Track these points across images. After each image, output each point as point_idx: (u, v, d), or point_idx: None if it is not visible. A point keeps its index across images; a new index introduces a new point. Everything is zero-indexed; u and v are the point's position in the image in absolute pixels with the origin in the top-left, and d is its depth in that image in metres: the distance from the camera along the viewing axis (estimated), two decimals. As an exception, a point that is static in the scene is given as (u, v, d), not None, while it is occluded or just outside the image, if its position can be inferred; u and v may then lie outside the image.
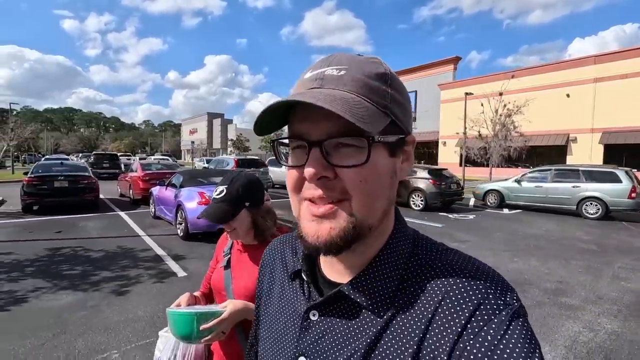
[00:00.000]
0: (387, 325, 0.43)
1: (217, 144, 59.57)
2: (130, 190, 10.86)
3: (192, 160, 33.81)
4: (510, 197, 10.76)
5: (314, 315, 0.48)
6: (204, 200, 6.17)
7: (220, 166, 13.81)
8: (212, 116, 63.93)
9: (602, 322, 3.43)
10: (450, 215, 9.50)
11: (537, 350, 0.37)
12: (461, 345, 0.37)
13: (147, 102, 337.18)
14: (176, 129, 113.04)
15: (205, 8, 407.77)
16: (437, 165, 23.60)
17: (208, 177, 7.36)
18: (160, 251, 5.68)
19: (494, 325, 0.37)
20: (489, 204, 11.20)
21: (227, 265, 1.28)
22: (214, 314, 1.02)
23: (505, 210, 10.45)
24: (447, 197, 10.31)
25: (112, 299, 3.83)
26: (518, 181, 10.64)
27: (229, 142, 37.67)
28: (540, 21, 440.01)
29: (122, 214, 9.01)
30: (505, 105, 14.87)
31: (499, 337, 0.37)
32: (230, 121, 63.05)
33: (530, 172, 10.71)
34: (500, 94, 14.92)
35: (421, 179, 10.36)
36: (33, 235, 6.62)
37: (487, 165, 16.01)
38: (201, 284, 1.44)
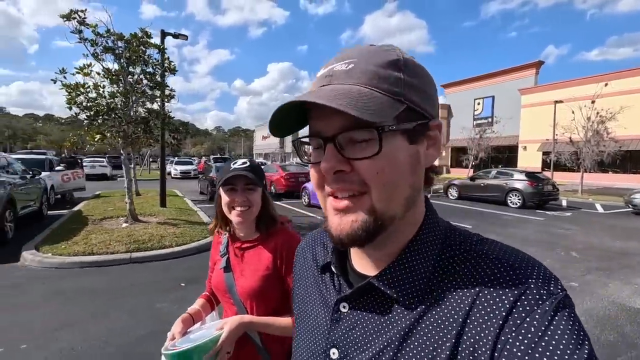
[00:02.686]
0: (421, 318, 0.42)
1: (288, 148, 64.28)
2: (272, 186, 14.03)
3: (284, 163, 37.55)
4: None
5: (344, 307, 0.49)
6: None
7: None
8: (284, 122, 68.97)
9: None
10: (548, 212, 10.97)
11: (586, 343, 0.35)
12: (503, 338, 0.36)
13: (214, 109, 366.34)
14: (245, 134, 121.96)
15: (269, 18, 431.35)
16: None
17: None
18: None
19: (537, 316, 0.36)
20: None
21: (227, 267, 1.23)
22: (212, 341, 1.01)
23: (600, 210, 11.56)
24: (543, 197, 11.75)
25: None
26: None
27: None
28: (634, 8, 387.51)
29: (280, 203, 12.02)
30: (597, 113, 15.48)
31: (543, 328, 0.35)
32: (301, 127, 67.26)
33: None
34: (593, 102, 15.56)
35: (518, 180, 11.96)
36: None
37: (577, 170, 16.65)
38: (206, 286, 1.41)
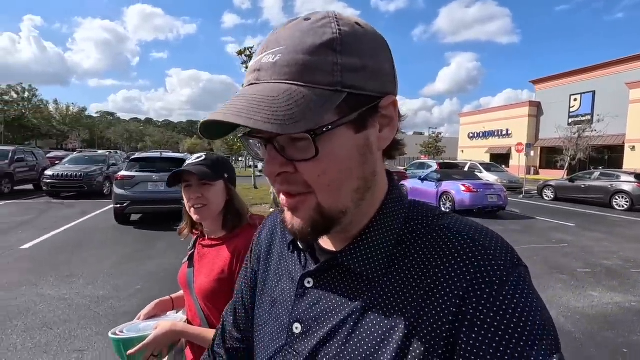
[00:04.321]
0: (383, 291, 0.43)
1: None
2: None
3: None
4: None
5: (308, 283, 0.49)
6: (466, 189, 9.63)
7: (422, 169, 17.37)
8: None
9: None
10: (661, 216, 10.57)
11: (540, 307, 0.37)
12: (464, 309, 0.37)
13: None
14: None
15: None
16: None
17: (458, 175, 10.92)
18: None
19: (496, 287, 0.37)
20: None
21: (190, 262, 1.23)
22: (139, 339, 1.03)
23: None
24: (656, 199, 11.26)
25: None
26: None
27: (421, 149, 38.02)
28: None
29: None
30: None
31: (501, 297, 0.37)
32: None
33: None
34: None
35: (626, 182, 11.64)
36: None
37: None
38: None
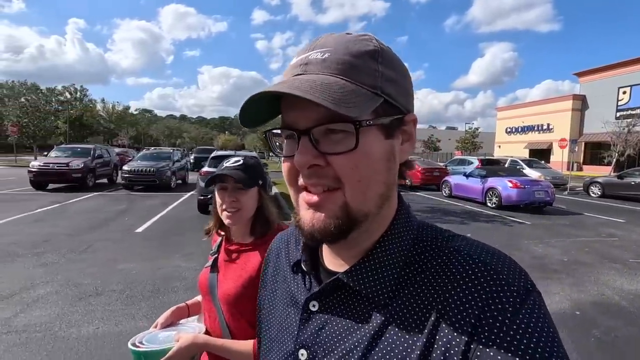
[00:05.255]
0: (392, 317, 0.42)
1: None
2: (407, 179, 16.01)
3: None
4: None
5: (313, 306, 0.48)
6: (513, 185, 10.01)
7: (462, 165, 17.61)
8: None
9: None
10: None
11: (557, 339, 0.36)
12: (476, 338, 0.36)
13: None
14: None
15: (369, 12, 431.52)
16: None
17: (502, 171, 11.35)
18: (490, 212, 9.84)
19: (509, 315, 0.36)
20: None
21: (214, 267, 1.22)
22: (162, 352, 1.03)
23: None
24: None
25: (502, 227, 8.02)
26: None
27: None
28: None
29: (418, 193, 13.95)
30: None
31: (514, 326, 0.36)
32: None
33: None
34: None
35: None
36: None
37: None
38: None
